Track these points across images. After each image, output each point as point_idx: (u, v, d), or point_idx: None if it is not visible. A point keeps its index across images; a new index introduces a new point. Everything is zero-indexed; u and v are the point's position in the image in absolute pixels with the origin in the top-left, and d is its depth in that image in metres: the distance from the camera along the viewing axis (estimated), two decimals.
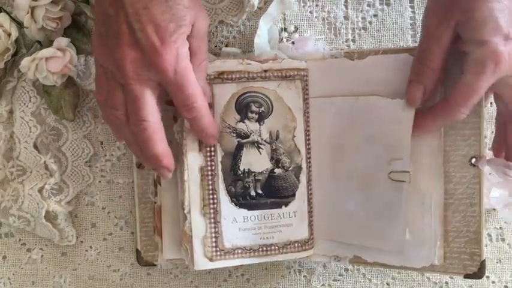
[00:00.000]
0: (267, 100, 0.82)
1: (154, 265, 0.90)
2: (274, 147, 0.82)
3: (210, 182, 0.81)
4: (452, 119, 0.76)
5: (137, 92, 0.70)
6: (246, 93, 0.81)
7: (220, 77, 0.80)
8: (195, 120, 0.75)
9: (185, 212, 0.81)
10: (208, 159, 0.81)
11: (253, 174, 0.82)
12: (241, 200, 0.82)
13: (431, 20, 0.72)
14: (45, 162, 0.89)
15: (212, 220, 0.81)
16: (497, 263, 0.92)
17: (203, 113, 0.75)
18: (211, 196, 0.81)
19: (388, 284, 0.93)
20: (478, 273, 0.81)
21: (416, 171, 0.80)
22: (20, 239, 0.93)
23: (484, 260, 0.81)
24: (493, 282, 0.92)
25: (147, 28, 0.67)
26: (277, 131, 0.82)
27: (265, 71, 0.81)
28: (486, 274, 0.89)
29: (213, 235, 0.81)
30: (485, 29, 0.69)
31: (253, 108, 0.81)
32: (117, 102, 0.72)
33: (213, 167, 0.81)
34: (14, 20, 0.86)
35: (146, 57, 0.68)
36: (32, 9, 0.83)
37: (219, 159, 0.81)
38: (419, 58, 0.75)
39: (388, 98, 0.79)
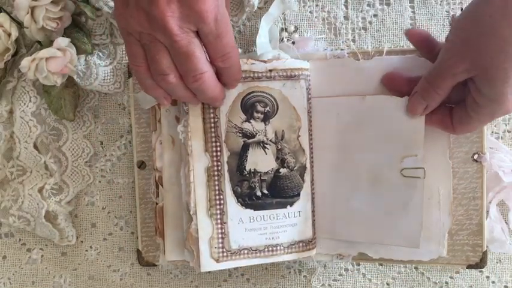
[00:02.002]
0: (272, 100, 0.81)
1: (155, 265, 0.90)
2: (279, 147, 0.82)
3: (217, 183, 0.81)
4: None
5: (187, 47, 0.67)
6: (251, 93, 0.81)
7: None
8: (228, 69, 0.74)
9: (191, 213, 0.81)
10: (214, 159, 0.80)
11: (259, 174, 0.82)
12: (248, 200, 0.82)
13: (451, 57, 0.71)
14: (45, 162, 0.89)
15: (219, 221, 0.81)
16: (497, 263, 0.92)
17: (236, 62, 0.74)
18: (217, 197, 0.81)
19: (388, 284, 0.93)
20: (480, 263, 0.85)
21: (425, 167, 0.81)
22: (20, 239, 0.93)
23: (486, 251, 0.85)
24: (493, 282, 0.92)
25: None
26: (283, 130, 0.82)
27: (270, 70, 0.81)
28: (486, 274, 0.90)
29: (220, 236, 0.81)
30: (500, 89, 0.69)
31: (259, 108, 0.81)
32: (165, 66, 0.69)
33: (219, 167, 0.81)
34: (14, 20, 0.86)
35: (185, 7, 0.64)
36: (32, 9, 0.82)
37: (225, 159, 0.81)
38: (430, 81, 0.75)
39: (397, 97, 0.80)
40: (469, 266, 0.85)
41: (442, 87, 0.73)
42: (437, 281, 0.93)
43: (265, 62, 0.81)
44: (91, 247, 0.93)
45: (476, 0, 0.69)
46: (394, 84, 0.81)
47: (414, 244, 0.81)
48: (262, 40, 0.86)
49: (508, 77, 0.67)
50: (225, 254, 0.82)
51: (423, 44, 0.79)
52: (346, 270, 0.94)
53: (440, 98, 0.75)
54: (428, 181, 0.82)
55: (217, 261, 0.81)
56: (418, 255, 0.84)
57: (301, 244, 0.84)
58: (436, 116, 0.79)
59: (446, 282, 0.92)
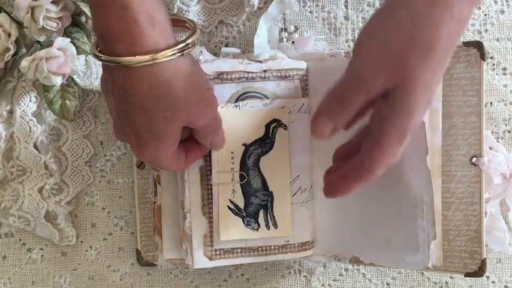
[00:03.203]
0: None
1: (155, 265, 0.90)
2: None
3: (209, 182, 0.81)
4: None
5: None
6: (245, 93, 0.81)
7: (220, 77, 0.80)
8: None
9: (185, 211, 0.81)
10: (207, 158, 0.81)
11: None
12: None
13: (367, 69, 0.62)
14: (45, 162, 0.89)
15: (211, 219, 0.81)
16: (497, 263, 0.92)
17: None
18: (210, 196, 0.81)
19: (388, 284, 0.93)
20: (479, 271, 0.83)
21: (408, 175, 0.80)
22: (20, 239, 0.93)
23: (485, 259, 0.83)
24: (493, 282, 0.92)
25: (130, 135, 0.69)
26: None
27: (265, 71, 0.81)
28: (486, 274, 0.89)
29: (213, 234, 0.81)
30: (417, 101, 0.61)
31: None
32: None
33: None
34: (14, 20, 0.86)
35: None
36: (32, 9, 0.83)
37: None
38: (339, 99, 0.66)
39: None
40: (467, 274, 0.83)
41: (354, 104, 0.64)
42: (437, 281, 0.92)
43: (261, 62, 0.81)
44: (91, 247, 0.93)
45: (386, 5, 0.63)
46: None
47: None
48: (260, 40, 0.86)
49: (426, 87, 0.61)
50: (218, 252, 0.82)
51: (348, 152, 0.72)
52: (346, 270, 0.94)
53: (349, 117, 0.66)
54: (414, 189, 0.79)
55: (210, 258, 0.82)
56: (406, 265, 0.83)
57: (296, 244, 0.84)
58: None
59: (446, 282, 0.92)
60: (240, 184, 0.81)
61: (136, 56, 0.63)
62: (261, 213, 0.82)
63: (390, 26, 0.61)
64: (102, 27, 0.63)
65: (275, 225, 0.82)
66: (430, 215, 0.79)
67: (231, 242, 0.82)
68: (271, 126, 0.81)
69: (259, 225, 0.82)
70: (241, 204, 0.81)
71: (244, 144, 0.81)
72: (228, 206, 0.81)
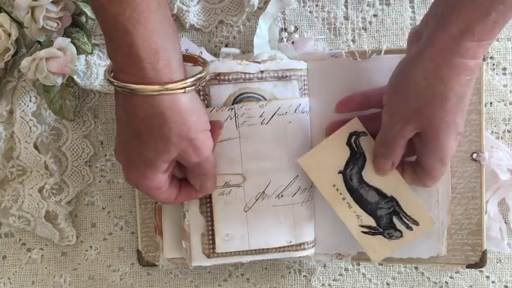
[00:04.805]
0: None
1: (155, 265, 0.90)
2: None
3: None
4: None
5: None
6: (242, 94, 0.81)
7: (217, 78, 0.81)
8: None
9: (184, 210, 0.82)
10: None
11: None
12: None
13: (396, 122, 0.74)
14: (45, 162, 0.89)
15: (209, 218, 0.82)
16: (497, 263, 0.92)
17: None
18: (207, 195, 0.82)
19: (388, 284, 0.93)
20: (480, 263, 0.85)
21: None
22: (20, 239, 0.93)
23: (486, 250, 0.85)
24: (493, 282, 0.92)
25: (123, 157, 0.76)
26: None
27: (262, 71, 0.81)
28: (486, 274, 0.90)
29: (210, 233, 0.82)
30: (444, 140, 0.73)
31: None
32: None
33: None
34: (14, 20, 0.86)
35: None
36: (32, 9, 0.83)
37: None
38: (385, 145, 0.78)
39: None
40: (469, 266, 0.86)
41: (397, 148, 0.76)
42: (437, 281, 0.92)
43: (259, 62, 0.81)
44: (91, 247, 0.93)
45: (405, 64, 0.73)
46: (352, 107, 0.82)
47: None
48: (260, 40, 0.86)
49: (450, 127, 0.71)
50: (215, 250, 0.82)
51: (360, 106, 0.82)
52: (346, 270, 0.94)
53: (401, 154, 0.78)
54: None
55: (208, 256, 0.82)
56: (418, 253, 0.84)
57: (295, 245, 0.84)
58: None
59: (446, 282, 0.92)
60: (360, 206, 0.82)
61: (137, 85, 0.67)
62: (396, 220, 0.82)
63: (409, 85, 0.71)
64: (111, 57, 0.69)
65: (416, 223, 0.82)
66: (446, 203, 0.83)
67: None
68: (352, 140, 0.81)
69: (400, 232, 0.82)
70: (373, 223, 0.82)
71: (340, 172, 0.81)
72: (362, 231, 0.82)
